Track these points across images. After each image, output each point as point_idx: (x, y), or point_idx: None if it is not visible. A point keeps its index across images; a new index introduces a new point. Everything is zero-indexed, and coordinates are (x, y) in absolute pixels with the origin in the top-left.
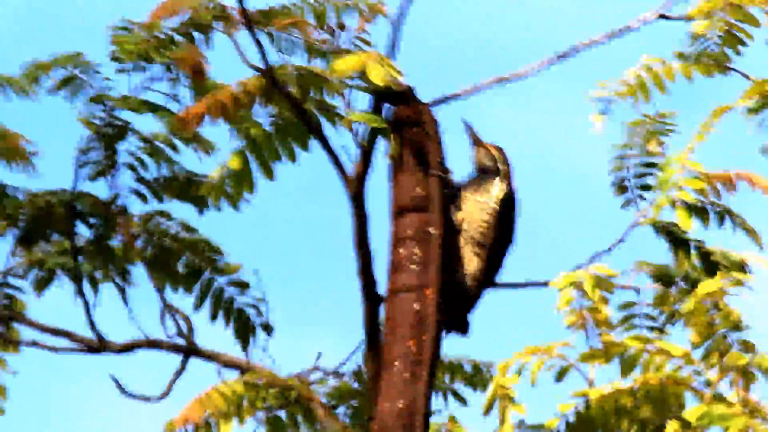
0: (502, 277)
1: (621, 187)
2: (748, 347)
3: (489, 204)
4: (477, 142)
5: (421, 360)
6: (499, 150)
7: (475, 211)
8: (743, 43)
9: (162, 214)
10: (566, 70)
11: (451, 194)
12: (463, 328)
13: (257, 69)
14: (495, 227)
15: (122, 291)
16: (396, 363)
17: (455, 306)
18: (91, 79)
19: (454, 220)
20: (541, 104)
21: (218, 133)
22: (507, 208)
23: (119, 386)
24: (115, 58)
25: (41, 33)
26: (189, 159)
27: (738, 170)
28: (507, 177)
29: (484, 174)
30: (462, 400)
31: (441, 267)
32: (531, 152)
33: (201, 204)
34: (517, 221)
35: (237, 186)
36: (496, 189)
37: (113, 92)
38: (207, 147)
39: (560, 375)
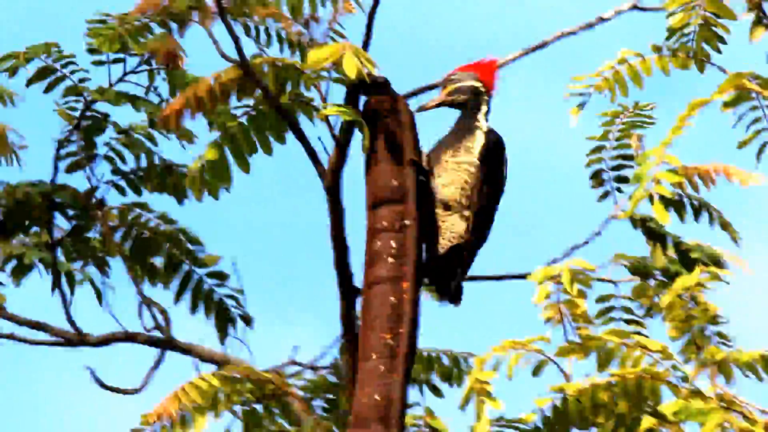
0: (480, 270)
1: (598, 180)
2: (725, 339)
3: (471, 161)
4: (442, 103)
5: (397, 353)
6: (454, 78)
7: (456, 172)
8: (722, 39)
9: (140, 205)
10: (540, 62)
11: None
12: (455, 296)
13: (232, 61)
14: (481, 182)
15: (97, 289)
16: (372, 356)
17: (445, 275)
18: (67, 70)
19: (438, 194)
20: (515, 97)
21: (197, 121)
22: (493, 158)
23: (96, 379)
24: (91, 50)
25: (36, 33)
26: (167, 149)
27: (715, 163)
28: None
29: (465, 127)
30: (439, 394)
31: (418, 258)
32: (506, 145)
33: (180, 195)
34: (506, 166)
35: (214, 179)
36: (477, 142)
37: (90, 84)
38: (188, 136)
39: (537, 369)
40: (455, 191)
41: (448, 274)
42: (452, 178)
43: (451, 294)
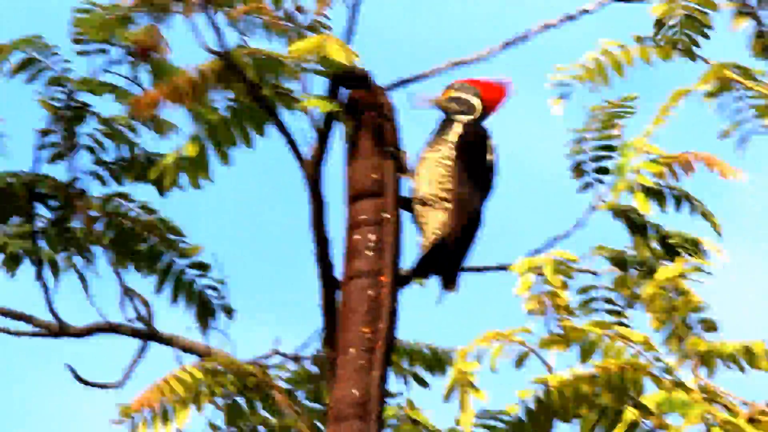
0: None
1: (579, 171)
2: (709, 326)
3: (447, 154)
4: (438, 104)
5: (375, 347)
6: (458, 87)
7: (433, 167)
8: (703, 33)
9: (121, 195)
10: (519, 56)
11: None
12: (450, 284)
13: (214, 52)
14: (457, 173)
15: (82, 277)
16: (351, 350)
17: (438, 264)
18: (50, 61)
19: (416, 186)
20: None
21: (178, 113)
22: (467, 148)
23: (75, 375)
24: (76, 40)
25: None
26: (149, 140)
27: (696, 152)
28: (480, 110)
29: (447, 124)
30: (423, 384)
31: (397, 252)
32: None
33: (162, 185)
34: (489, 155)
35: (193, 172)
36: (453, 135)
37: (73, 75)
38: (166, 128)
39: (519, 361)
40: (432, 187)
41: (437, 268)
42: (429, 174)
43: (446, 282)
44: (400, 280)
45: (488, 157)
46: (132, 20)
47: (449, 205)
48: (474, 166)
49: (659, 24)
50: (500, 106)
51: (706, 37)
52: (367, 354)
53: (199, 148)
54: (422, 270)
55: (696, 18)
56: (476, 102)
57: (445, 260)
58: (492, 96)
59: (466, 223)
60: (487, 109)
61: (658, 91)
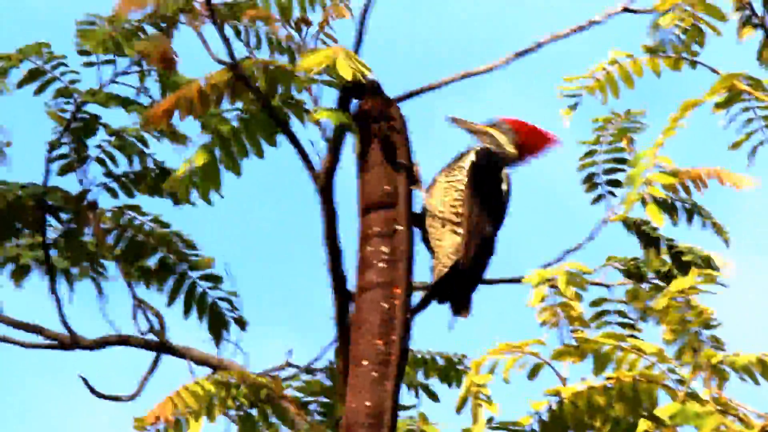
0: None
1: (591, 184)
2: (719, 344)
3: (460, 178)
4: (475, 131)
5: (389, 359)
6: (503, 128)
7: (447, 192)
8: (702, 42)
9: (133, 208)
10: (528, 67)
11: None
12: (463, 308)
13: (224, 63)
14: (470, 198)
15: (98, 286)
16: (364, 362)
17: (449, 282)
18: (57, 72)
19: (429, 209)
20: (506, 100)
21: (192, 124)
22: (479, 174)
23: (89, 386)
24: (81, 52)
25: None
26: (161, 152)
27: (708, 167)
28: (515, 143)
29: (465, 151)
30: (434, 397)
31: (410, 263)
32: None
33: (176, 197)
34: (501, 184)
35: (204, 182)
36: (467, 161)
37: (81, 86)
38: (181, 140)
39: (533, 372)
40: (445, 208)
41: (450, 292)
42: (443, 194)
43: (459, 306)
44: (417, 306)
45: (502, 186)
46: (143, 32)
47: (461, 230)
48: (486, 193)
49: (655, 27)
50: (537, 157)
51: (701, 45)
52: (380, 366)
53: (210, 158)
54: (437, 294)
55: (700, 28)
56: (510, 148)
57: (459, 284)
58: (530, 146)
59: (479, 248)
60: (521, 157)
61: (668, 102)
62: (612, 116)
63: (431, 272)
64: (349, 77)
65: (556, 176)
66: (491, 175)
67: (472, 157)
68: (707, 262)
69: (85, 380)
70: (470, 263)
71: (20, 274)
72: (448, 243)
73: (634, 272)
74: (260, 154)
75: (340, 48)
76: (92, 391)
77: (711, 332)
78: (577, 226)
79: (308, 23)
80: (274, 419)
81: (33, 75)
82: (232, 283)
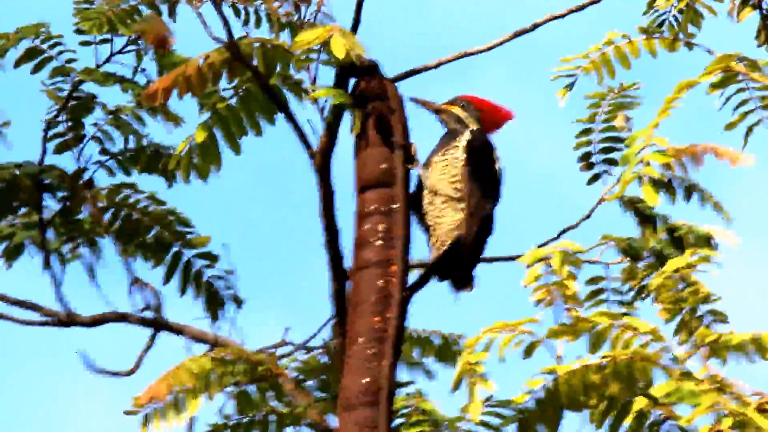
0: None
1: (587, 163)
2: (719, 317)
3: (457, 156)
4: (436, 110)
5: (385, 336)
6: (463, 105)
7: (445, 169)
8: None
9: (130, 186)
10: (525, 49)
11: (424, 164)
12: (466, 283)
13: (221, 42)
14: (468, 176)
15: (90, 267)
16: (360, 339)
17: (453, 264)
18: (54, 51)
19: (429, 186)
20: (502, 80)
21: (185, 104)
22: (476, 152)
23: (87, 362)
24: (78, 31)
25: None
26: (157, 131)
27: (704, 143)
28: (478, 120)
29: (454, 133)
30: (429, 375)
31: (407, 242)
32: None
33: (169, 176)
34: (496, 163)
35: (203, 160)
36: (463, 140)
37: (78, 65)
38: (175, 119)
39: (528, 351)
40: (445, 184)
41: (454, 267)
42: (440, 172)
43: (462, 282)
44: (419, 282)
45: (496, 165)
46: (139, 12)
47: (462, 206)
48: (483, 171)
49: (650, 5)
50: (496, 131)
51: (698, 26)
52: (377, 343)
53: (209, 136)
54: (439, 269)
55: (696, 9)
56: (474, 123)
57: (462, 260)
58: (492, 120)
59: (480, 224)
60: (483, 131)
61: (664, 83)
62: (606, 92)
63: (429, 250)
64: (341, 56)
65: (552, 155)
66: (487, 154)
67: (467, 136)
68: (707, 240)
69: (84, 356)
70: (475, 237)
71: (13, 253)
72: (449, 220)
73: (630, 251)
74: (258, 132)
75: (336, 26)
76: (90, 366)
77: (710, 307)
78: (574, 204)
79: (307, 1)
80: (271, 397)
81: (30, 54)
82: (229, 262)
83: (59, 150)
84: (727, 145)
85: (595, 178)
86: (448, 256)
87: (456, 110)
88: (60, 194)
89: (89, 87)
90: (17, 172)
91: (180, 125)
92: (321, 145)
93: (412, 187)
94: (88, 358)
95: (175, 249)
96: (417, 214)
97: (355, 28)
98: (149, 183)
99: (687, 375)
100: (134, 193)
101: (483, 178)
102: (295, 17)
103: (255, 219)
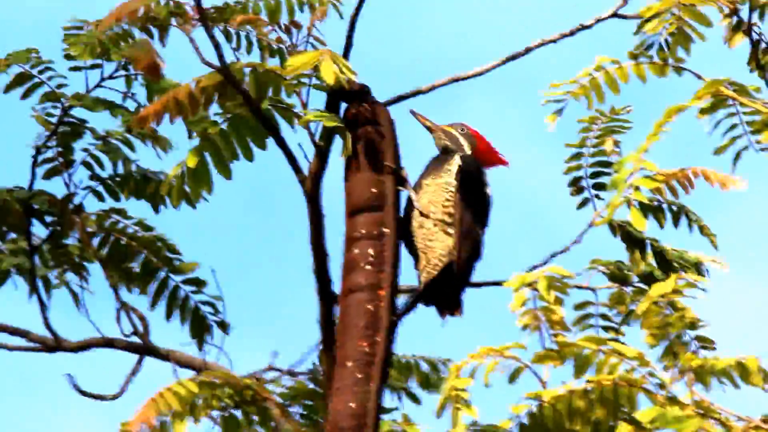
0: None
1: (577, 187)
2: (706, 343)
3: (449, 181)
4: (430, 128)
5: (373, 361)
6: (462, 131)
7: (437, 193)
8: (688, 48)
9: (118, 212)
10: (516, 72)
11: (414, 187)
12: (454, 307)
13: (213, 66)
14: (460, 201)
15: (74, 293)
16: (348, 363)
17: (443, 288)
18: (44, 77)
19: (420, 210)
20: (494, 102)
21: (175, 130)
22: (468, 178)
23: (74, 385)
24: (68, 56)
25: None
26: (145, 157)
27: (695, 167)
28: (472, 150)
29: (445, 155)
30: (416, 400)
31: (396, 266)
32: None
33: (157, 202)
34: (486, 189)
35: (195, 185)
36: (455, 165)
37: (68, 90)
38: (164, 145)
39: (513, 376)
40: (436, 208)
41: (443, 291)
42: (432, 196)
43: (450, 306)
44: (408, 307)
45: (486, 190)
46: (131, 37)
47: (453, 230)
48: (473, 196)
49: (639, 28)
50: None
51: (687, 50)
52: (364, 367)
53: (201, 160)
54: (429, 295)
55: (686, 34)
56: (468, 151)
57: (451, 285)
58: (485, 158)
59: (470, 249)
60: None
61: (653, 108)
62: (597, 115)
63: (417, 274)
64: (331, 81)
65: (541, 179)
66: (477, 178)
67: (458, 161)
68: (696, 266)
69: (71, 378)
70: (465, 262)
71: None
72: (439, 244)
73: (618, 275)
74: (249, 157)
75: (326, 51)
76: (77, 389)
77: (696, 333)
78: (560, 230)
79: (298, 26)
80: (257, 422)
81: (20, 79)
82: (217, 287)
83: (48, 175)
84: (717, 170)
85: (585, 202)
86: (438, 282)
87: (453, 131)
88: (49, 219)
89: (79, 112)
90: (7, 198)
91: (167, 151)
92: (311, 169)
93: (402, 211)
94: (74, 380)
95: (162, 275)
96: (405, 238)
97: (346, 52)
98: (136, 208)
99: (672, 400)
100: (123, 218)
101: (473, 202)
102: (287, 42)
103: (243, 243)
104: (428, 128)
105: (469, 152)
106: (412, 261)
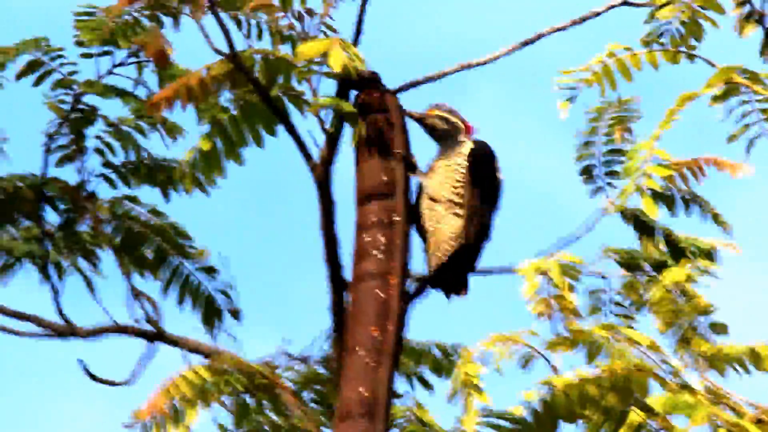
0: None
1: (589, 175)
2: (719, 328)
3: (460, 162)
4: (419, 119)
5: (384, 348)
6: (447, 110)
7: (447, 175)
8: (700, 37)
9: (130, 198)
10: (527, 61)
11: (426, 170)
12: (460, 288)
13: (223, 54)
14: (470, 183)
15: (87, 280)
16: (359, 350)
17: (449, 269)
18: (56, 64)
19: (430, 192)
20: (503, 90)
21: (185, 117)
22: (479, 160)
23: (87, 370)
24: (78, 43)
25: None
26: (154, 144)
27: (705, 155)
28: (467, 128)
29: (449, 140)
30: (428, 386)
31: (406, 253)
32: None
33: (168, 188)
34: (497, 173)
35: (207, 170)
36: (467, 147)
37: (79, 77)
38: (174, 131)
39: (525, 363)
40: (447, 189)
41: (452, 274)
42: (443, 177)
43: (457, 286)
44: (417, 291)
45: (498, 175)
46: (140, 24)
47: (462, 212)
48: (484, 179)
49: (651, 18)
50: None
51: (699, 38)
52: (375, 354)
53: (212, 145)
54: (440, 278)
55: (698, 22)
56: (461, 126)
57: (460, 266)
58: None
59: (479, 231)
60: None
61: (665, 95)
62: (605, 105)
63: (426, 258)
64: (338, 69)
65: (551, 166)
66: (489, 163)
67: (469, 144)
68: (708, 254)
69: (83, 364)
70: (473, 244)
71: (7, 268)
72: (448, 226)
73: (630, 263)
74: (260, 143)
75: (337, 38)
76: (90, 375)
77: (709, 319)
78: (571, 217)
79: (311, 13)
80: (269, 407)
81: (32, 66)
82: (228, 273)
83: (61, 162)
84: (728, 157)
85: (598, 190)
86: (446, 266)
87: (442, 113)
88: (61, 206)
89: (90, 99)
90: (20, 184)
91: (176, 139)
92: (322, 156)
93: (413, 197)
94: (86, 365)
95: (174, 262)
96: (415, 219)
97: (356, 39)
98: (146, 195)
99: (684, 387)
100: (135, 205)
101: (484, 186)
102: (297, 29)
103: (255, 230)
104: (419, 120)
105: (462, 127)
106: (421, 243)
